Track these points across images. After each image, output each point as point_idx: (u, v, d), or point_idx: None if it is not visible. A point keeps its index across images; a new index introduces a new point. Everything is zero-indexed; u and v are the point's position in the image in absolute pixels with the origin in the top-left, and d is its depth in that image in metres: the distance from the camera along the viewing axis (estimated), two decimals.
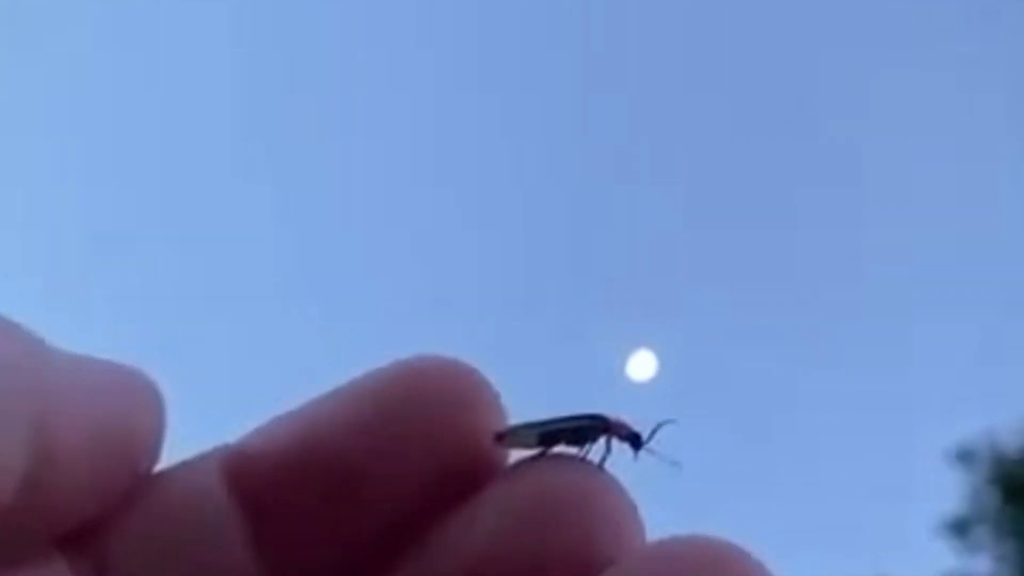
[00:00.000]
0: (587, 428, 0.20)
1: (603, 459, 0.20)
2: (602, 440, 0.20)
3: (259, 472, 0.18)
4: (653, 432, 0.21)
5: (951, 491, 3.66)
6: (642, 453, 0.21)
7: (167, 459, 0.19)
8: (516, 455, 0.19)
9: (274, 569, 0.18)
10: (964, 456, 3.67)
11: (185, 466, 0.19)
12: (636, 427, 0.21)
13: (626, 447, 0.21)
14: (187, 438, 0.20)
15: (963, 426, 3.65)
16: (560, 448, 0.20)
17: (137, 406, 0.18)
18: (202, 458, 0.19)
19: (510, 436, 0.19)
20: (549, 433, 0.20)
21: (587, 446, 0.20)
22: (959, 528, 3.65)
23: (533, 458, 0.19)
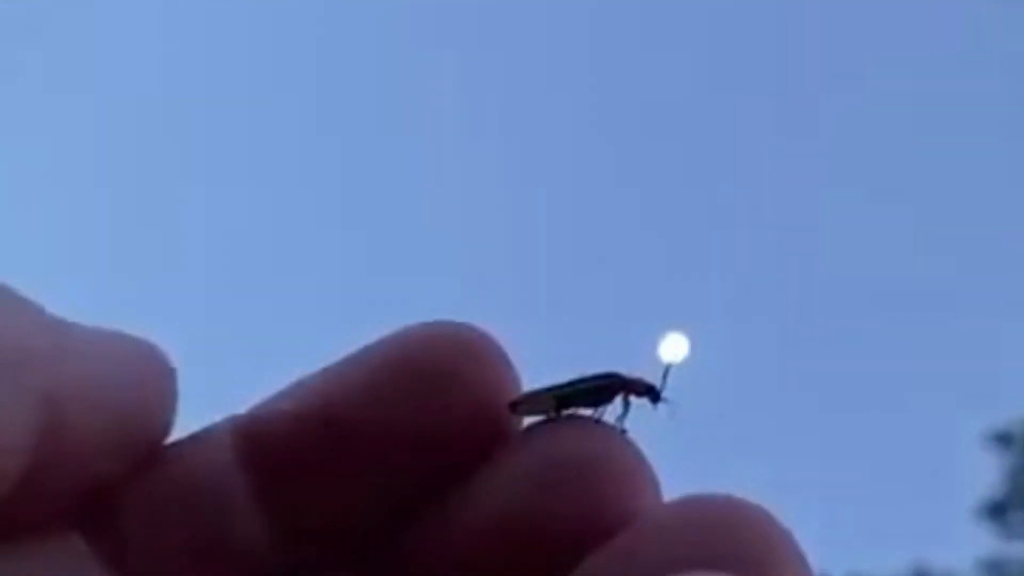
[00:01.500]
0: (603, 388, 0.20)
1: (621, 418, 0.20)
2: (619, 399, 0.20)
3: (272, 441, 0.18)
4: (664, 377, 0.21)
5: (988, 475, 3.62)
6: (661, 405, 0.21)
7: (179, 432, 0.19)
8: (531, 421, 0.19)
9: (288, 538, 0.18)
10: (1002, 439, 3.63)
11: (197, 437, 0.19)
12: (651, 381, 0.21)
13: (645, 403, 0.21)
14: (198, 410, 0.20)
15: (1001, 409, 3.62)
16: (577, 410, 0.20)
17: (148, 378, 0.18)
18: (214, 428, 0.19)
19: (526, 403, 0.19)
20: (565, 396, 0.19)
21: (604, 406, 0.20)
22: (996, 511, 3.61)
23: (546, 421, 0.19)
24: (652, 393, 0.21)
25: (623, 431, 0.19)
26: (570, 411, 0.19)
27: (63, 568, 0.18)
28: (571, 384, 0.20)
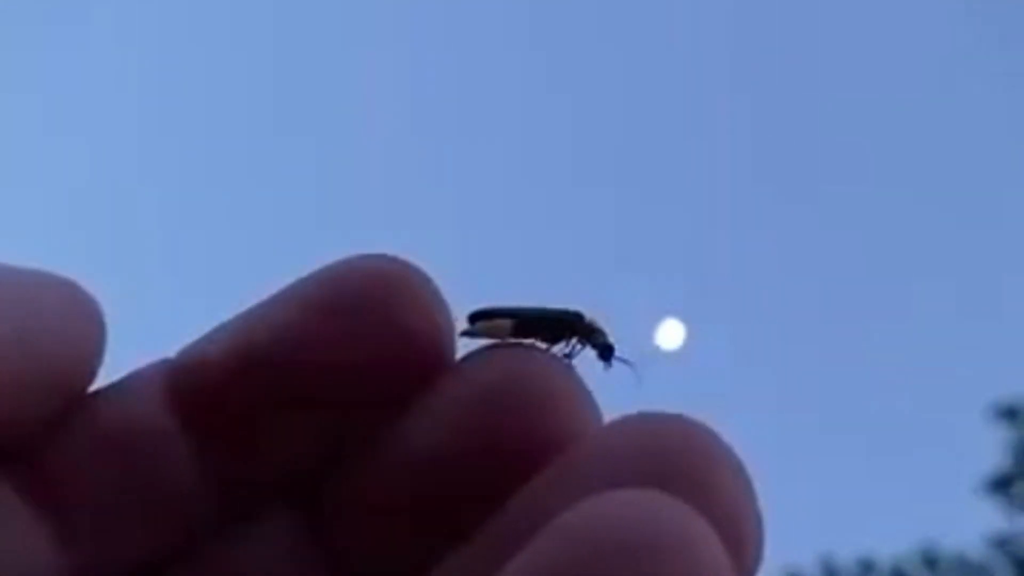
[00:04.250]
0: (564, 323, 0.19)
1: (568, 355, 0.19)
2: (575, 340, 0.20)
3: (202, 385, 0.18)
4: (627, 361, 0.20)
5: (995, 449, 3.62)
6: (611, 366, 0.20)
7: (107, 377, 0.18)
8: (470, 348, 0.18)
9: (223, 482, 0.18)
10: (1007, 414, 3.63)
11: (126, 382, 0.18)
12: (611, 340, 0.20)
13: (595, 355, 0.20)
14: (125, 354, 0.19)
15: (1006, 384, 3.61)
16: (533, 341, 0.19)
17: (72, 320, 0.17)
18: (143, 373, 0.18)
19: (485, 320, 0.19)
20: (524, 321, 0.19)
21: (562, 344, 0.19)
22: (1002, 486, 3.61)
23: (484, 349, 0.18)
24: (607, 350, 0.20)
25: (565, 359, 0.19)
26: (524, 340, 0.19)
27: None
28: (535, 312, 0.19)
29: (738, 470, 0.15)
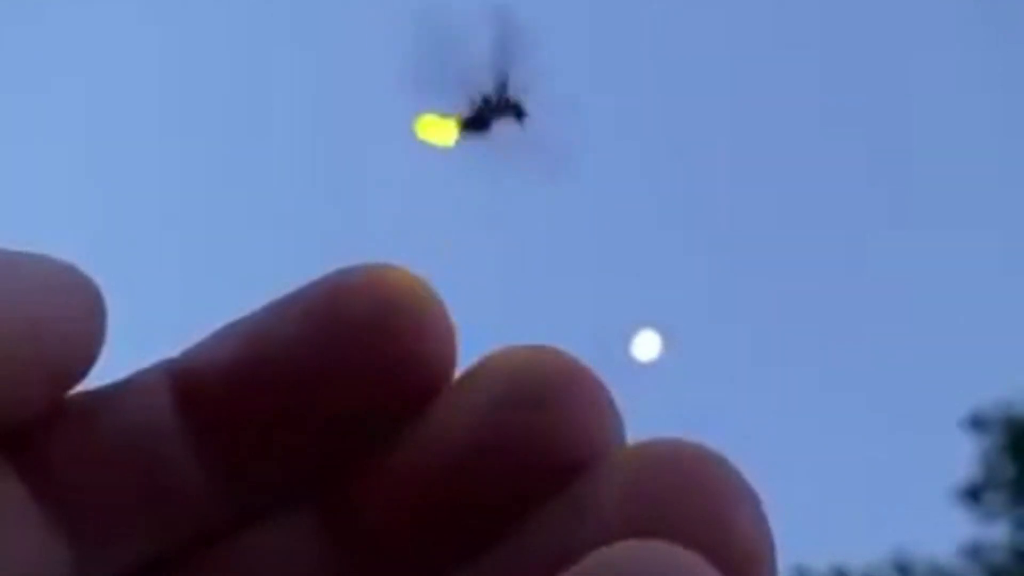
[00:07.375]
0: (506, 108, 0.20)
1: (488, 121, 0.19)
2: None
3: (209, 389, 0.17)
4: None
5: (966, 459, 3.65)
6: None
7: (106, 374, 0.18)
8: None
9: (228, 486, 0.18)
10: (978, 424, 3.66)
11: (130, 381, 0.18)
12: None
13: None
14: (126, 349, 0.19)
15: (977, 394, 3.64)
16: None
17: (70, 307, 0.17)
18: (148, 372, 0.18)
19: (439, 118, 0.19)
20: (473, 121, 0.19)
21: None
22: (974, 495, 3.64)
23: (496, 354, 0.18)
24: (521, 114, 0.21)
25: None
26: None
27: None
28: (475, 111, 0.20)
29: (755, 512, 0.15)
